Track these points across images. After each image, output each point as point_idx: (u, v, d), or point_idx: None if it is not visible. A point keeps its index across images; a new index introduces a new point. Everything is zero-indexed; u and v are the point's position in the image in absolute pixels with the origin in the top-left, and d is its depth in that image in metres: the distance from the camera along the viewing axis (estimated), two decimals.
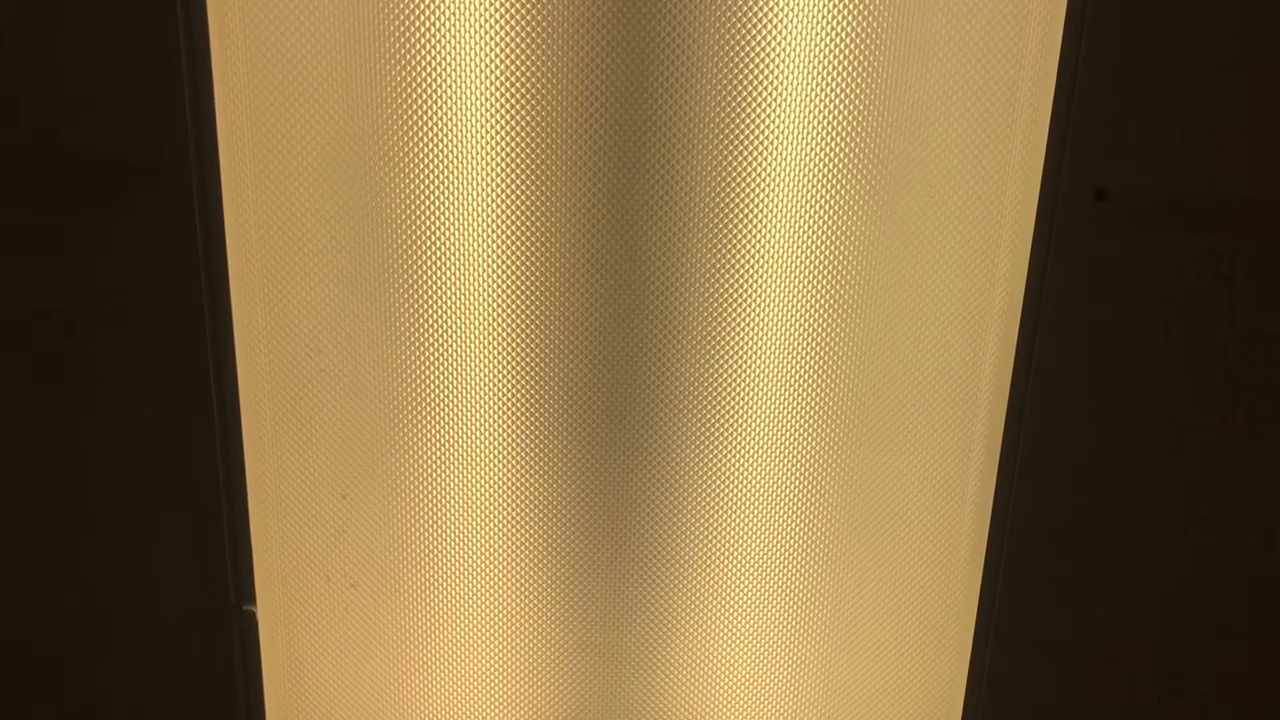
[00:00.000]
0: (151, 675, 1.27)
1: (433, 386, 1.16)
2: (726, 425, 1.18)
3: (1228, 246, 1.14)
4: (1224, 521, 1.24)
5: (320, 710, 1.28)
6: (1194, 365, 1.18)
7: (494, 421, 1.17)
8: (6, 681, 1.27)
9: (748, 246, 1.11)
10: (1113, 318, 1.16)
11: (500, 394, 1.16)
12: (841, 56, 1.05)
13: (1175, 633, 1.29)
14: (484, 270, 1.12)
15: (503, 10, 1.03)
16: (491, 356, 1.15)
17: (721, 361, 1.15)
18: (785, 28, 1.04)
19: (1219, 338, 1.17)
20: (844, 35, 1.04)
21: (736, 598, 1.26)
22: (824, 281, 1.13)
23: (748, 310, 1.14)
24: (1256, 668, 1.31)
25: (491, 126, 1.07)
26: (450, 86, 1.05)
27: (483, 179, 1.08)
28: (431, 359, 1.15)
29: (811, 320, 1.14)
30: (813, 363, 1.16)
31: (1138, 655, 1.30)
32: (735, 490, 1.21)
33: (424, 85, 1.05)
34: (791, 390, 1.17)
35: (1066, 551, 1.25)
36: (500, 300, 1.13)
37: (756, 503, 1.21)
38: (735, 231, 1.11)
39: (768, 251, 1.11)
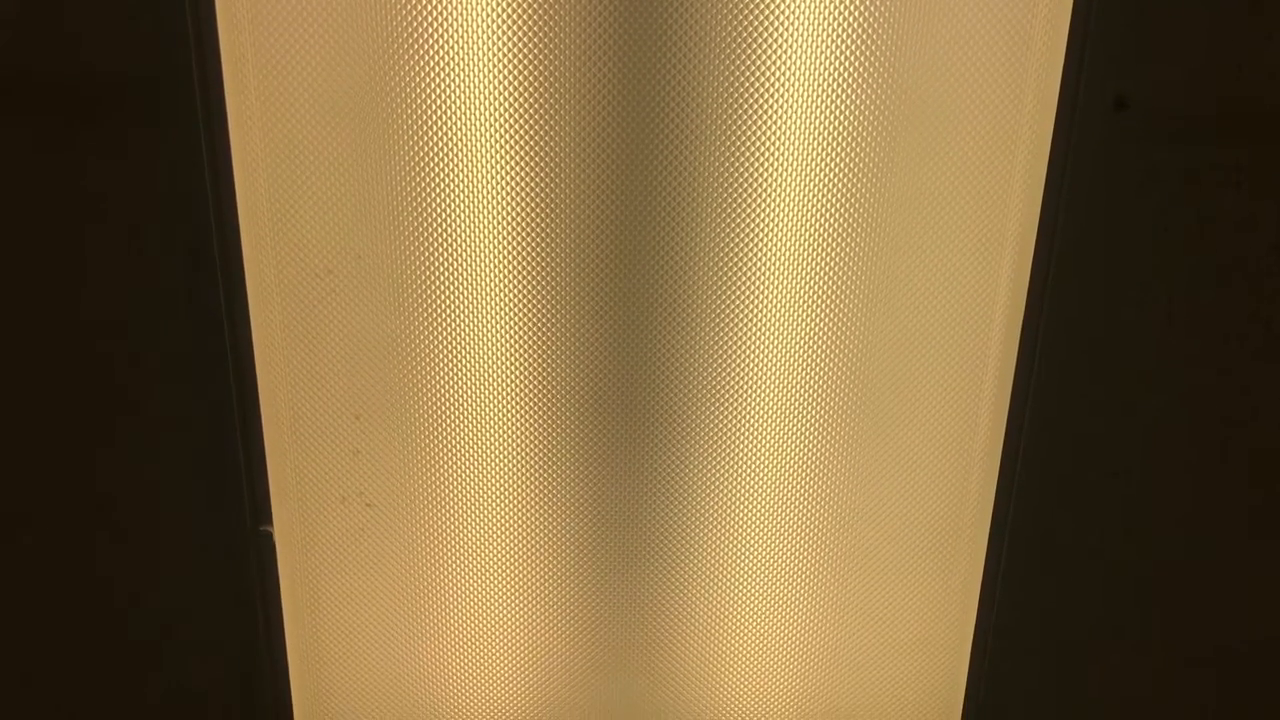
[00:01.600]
0: (171, 598, 1.28)
1: (445, 306, 1.15)
2: (740, 343, 1.18)
3: (1249, 157, 1.12)
4: (1239, 437, 1.24)
5: (338, 629, 1.29)
6: (1213, 278, 1.17)
7: (508, 340, 1.17)
8: (25, 610, 1.28)
9: (758, 171, 1.10)
10: (1131, 229, 1.14)
11: (513, 312, 1.15)
12: None
13: (1180, 549, 1.30)
14: (496, 186, 1.10)
15: None
16: (504, 274, 1.14)
17: (736, 280, 1.15)
18: None
19: (1239, 249, 1.16)
20: None
21: (750, 515, 1.26)
22: (837, 197, 1.11)
23: (759, 236, 1.13)
24: (1258, 586, 1.32)
25: (504, 43, 1.05)
26: (460, 4, 1.03)
27: (493, 95, 1.07)
28: (443, 278, 1.14)
29: (825, 241, 1.13)
30: (827, 285, 1.15)
31: (1143, 571, 1.31)
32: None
33: (433, 2, 1.03)
34: (804, 316, 1.16)
35: (1080, 469, 1.25)
36: (513, 216, 1.11)
37: (770, 405, 1.21)
38: (745, 175, 1.09)
39: (783, 165, 1.10)
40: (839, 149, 1.09)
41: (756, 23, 1.05)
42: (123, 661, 1.31)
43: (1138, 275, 1.16)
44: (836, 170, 1.10)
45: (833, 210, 1.12)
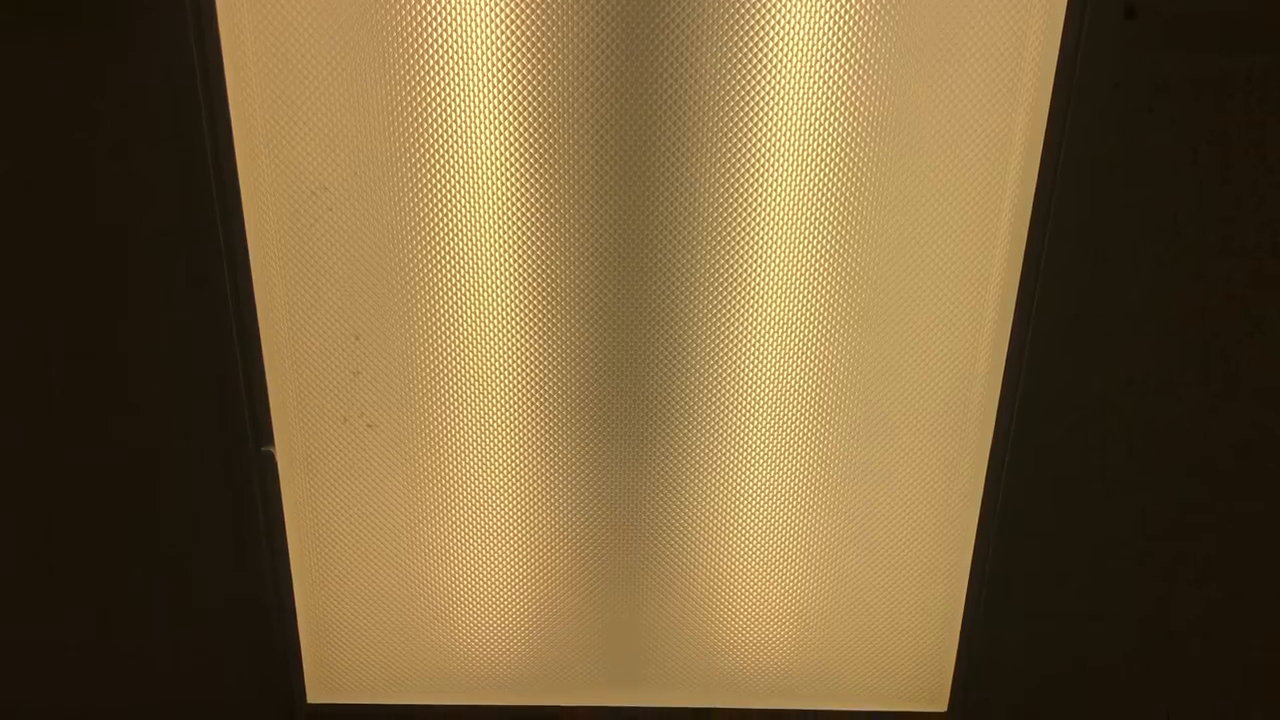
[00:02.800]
0: (174, 519, 1.28)
1: (443, 222, 1.14)
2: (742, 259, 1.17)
3: (1261, 65, 1.10)
4: (1243, 352, 1.23)
5: (341, 549, 1.30)
6: (1222, 191, 1.15)
7: (507, 257, 1.16)
8: (28, 533, 1.29)
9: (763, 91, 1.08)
10: (1140, 141, 1.12)
11: (513, 228, 1.14)
12: None
13: (1182, 470, 1.29)
14: (496, 99, 1.08)
15: None
16: (504, 188, 1.13)
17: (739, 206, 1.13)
18: None
19: (1250, 163, 1.14)
20: None
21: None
22: (844, 111, 1.09)
23: (763, 162, 1.11)
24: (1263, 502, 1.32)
25: None
26: None
27: (495, 7, 1.05)
28: (441, 194, 1.13)
29: (831, 154, 1.12)
30: (832, 197, 1.13)
31: (1146, 491, 1.31)
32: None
33: None
34: (808, 232, 1.15)
35: (1083, 381, 1.24)
36: (513, 129, 1.10)
37: (773, 323, 1.20)
38: (750, 90, 1.07)
39: (787, 83, 1.08)
40: (843, 62, 1.07)
41: None
42: (126, 583, 1.32)
43: (1144, 189, 1.15)
44: (842, 75, 1.08)
45: (838, 120, 1.10)
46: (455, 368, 1.21)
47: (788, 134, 1.11)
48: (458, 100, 1.09)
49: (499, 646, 1.36)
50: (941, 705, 1.41)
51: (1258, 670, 1.41)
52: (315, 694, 1.37)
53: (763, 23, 1.05)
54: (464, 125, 1.10)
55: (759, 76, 1.08)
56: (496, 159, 1.11)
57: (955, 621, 1.36)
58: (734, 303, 1.18)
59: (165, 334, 1.19)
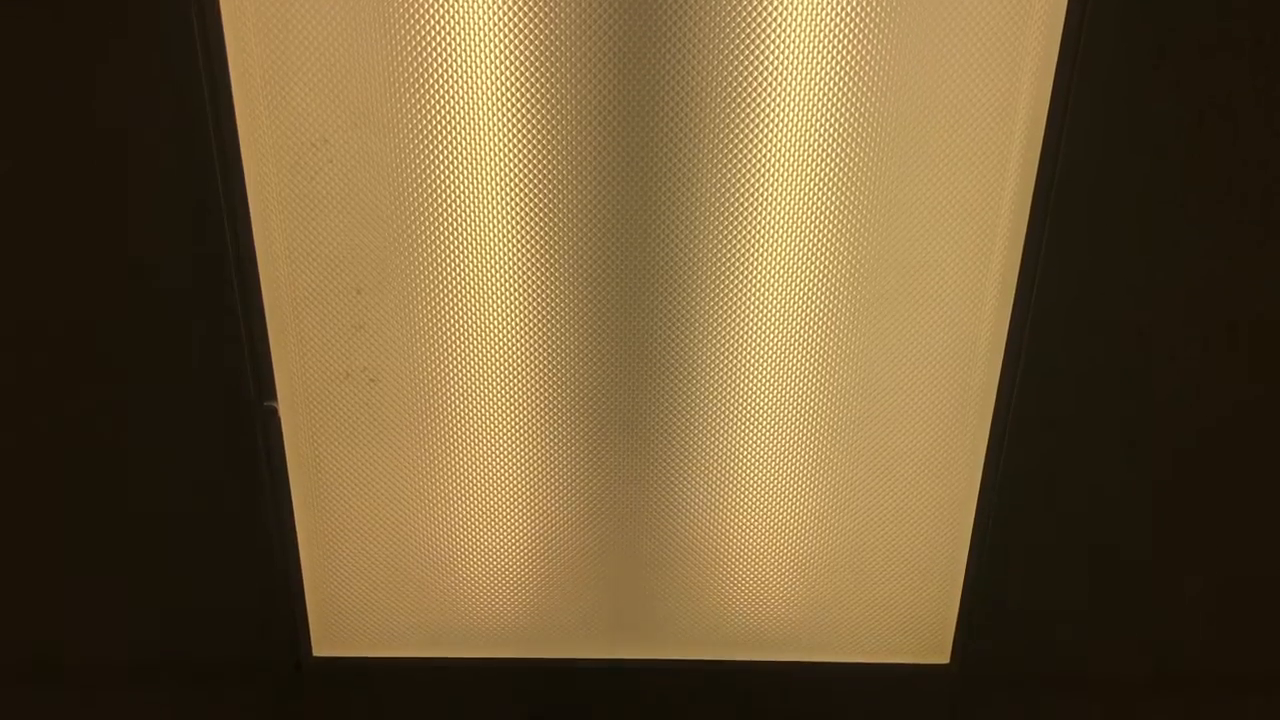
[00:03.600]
0: (178, 475, 1.28)
1: (444, 176, 1.13)
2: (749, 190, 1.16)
3: (1271, 26, 1.09)
4: (1245, 302, 1.23)
5: (345, 503, 1.30)
6: (1226, 153, 1.14)
7: (509, 210, 1.15)
8: (32, 492, 1.30)
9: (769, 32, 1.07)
10: (1145, 106, 1.11)
11: (515, 181, 1.14)
12: None
13: (1188, 427, 1.29)
14: (499, 51, 1.07)
15: None
16: (506, 141, 1.12)
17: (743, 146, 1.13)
18: None
19: (1255, 124, 1.13)
20: None
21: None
22: (848, 80, 1.08)
23: (766, 131, 1.10)
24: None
25: None
26: None
27: None
28: (442, 147, 1.12)
29: (834, 123, 1.11)
30: (835, 163, 1.12)
31: (1148, 449, 1.31)
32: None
33: None
34: (813, 186, 1.14)
35: (1088, 332, 1.24)
36: (516, 82, 1.09)
37: (776, 277, 1.20)
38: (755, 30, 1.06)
39: (791, 52, 1.07)
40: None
41: None
42: (132, 540, 1.32)
43: (1149, 154, 1.14)
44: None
45: (842, 90, 1.09)
46: (457, 322, 1.20)
47: (791, 103, 1.10)
48: (459, 54, 1.08)
49: (502, 600, 1.37)
50: (944, 657, 1.42)
51: (1253, 620, 1.42)
52: (320, 647, 1.38)
53: None
54: (466, 79, 1.09)
55: (763, 44, 1.07)
56: (499, 112, 1.10)
57: (958, 575, 1.36)
58: (738, 263, 1.18)
59: (166, 291, 1.18)
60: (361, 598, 1.36)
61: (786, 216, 1.16)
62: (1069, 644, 1.43)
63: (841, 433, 1.28)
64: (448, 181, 1.14)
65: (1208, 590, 1.40)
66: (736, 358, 1.23)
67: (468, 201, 1.15)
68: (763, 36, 1.07)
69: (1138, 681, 1.46)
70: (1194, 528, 1.35)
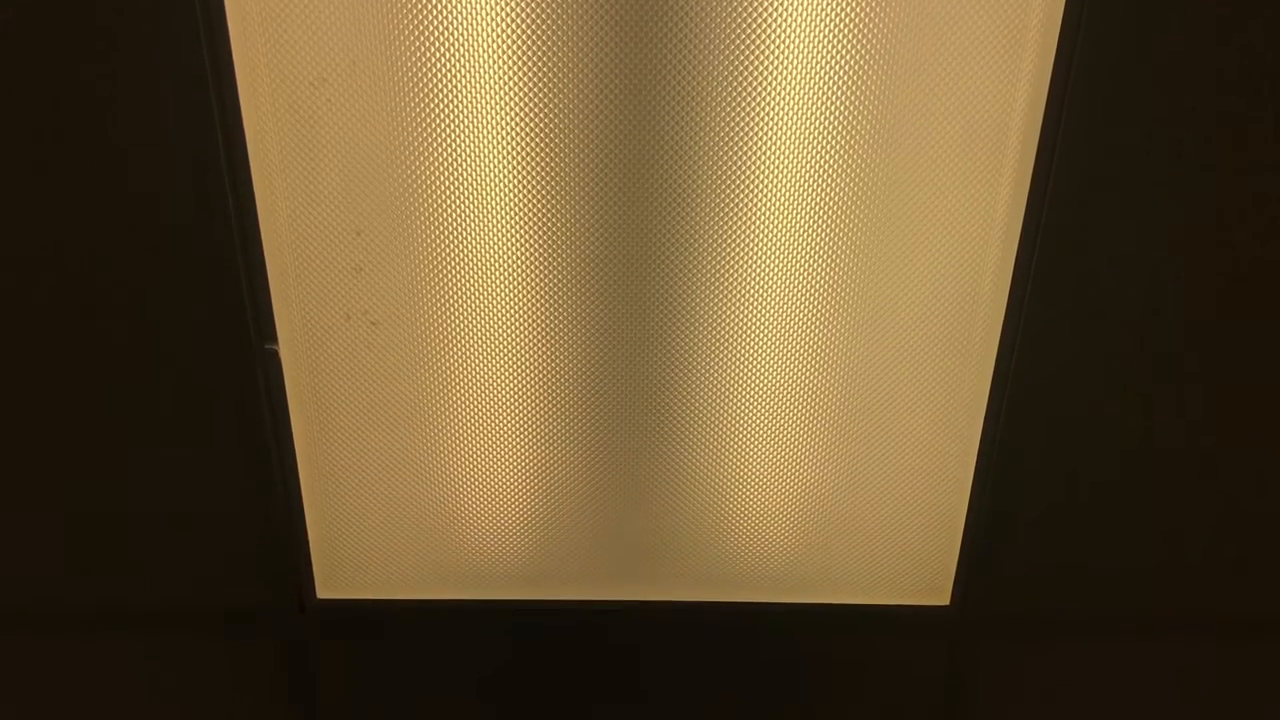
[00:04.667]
0: (179, 418, 1.28)
1: (444, 115, 1.12)
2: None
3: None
4: (1249, 250, 1.22)
5: (347, 446, 1.30)
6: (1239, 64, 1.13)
7: (509, 150, 1.14)
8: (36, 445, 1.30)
9: None
10: (1156, 34, 1.10)
11: (515, 120, 1.13)
12: None
13: (1190, 360, 1.29)
14: None
15: None
16: (506, 79, 1.11)
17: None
18: None
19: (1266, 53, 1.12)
20: None
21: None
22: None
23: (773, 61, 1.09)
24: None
25: None
26: None
27: None
28: (441, 86, 1.11)
29: (843, 58, 1.10)
30: (843, 93, 1.11)
31: (1152, 381, 1.31)
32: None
33: None
34: (817, 121, 1.13)
35: (1094, 268, 1.23)
36: (516, 19, 1.08)
37: (779, 216, 1.19)
38: None
39: None
40: None
41: None
42: (134, 485, 1.32)
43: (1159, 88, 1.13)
44: None
45: (848, 22, 1.08)
46: (457, 264, 1.20)
47: (797, 40, 1.09)
48: None
49: (504, 542, 1.37)
50: (944, 599, 1.43)
51: (1251, 561, 1.43)
52: (324, 589, 1.39)
53: None
54: (466, 17, 1.07)
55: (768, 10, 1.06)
56: (500, 53, 1.09)
57: (959, 517, 1.37)
58: (743, 191, 1.17)
59: (165, 232, 1.18)
60: (365, 540, 1.36)
61: (790, 154, 1.15)
62: (1069, 586, 1.44)
63: (844, 374, 1.27)
64: (447, 122, 1.13)
65: (1206, 531, 1.40)
66: (739, 295, 1.23)
67: (468, 142, 1.14)
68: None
69: (1137, 623, 1.47)
70: (1194, 470, 1.36)
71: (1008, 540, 1.39)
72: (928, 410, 1.30)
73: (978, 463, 1.34)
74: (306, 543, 1.35)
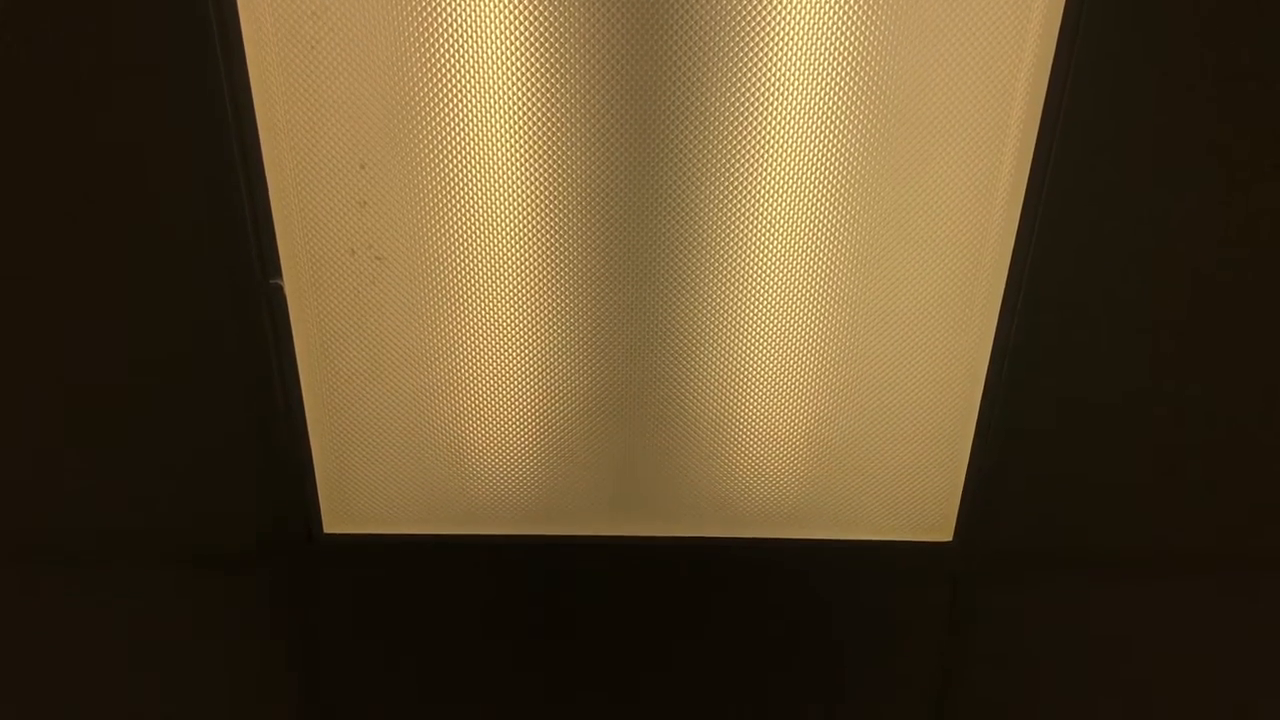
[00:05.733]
0: (185, 355, 1.28)
1: (448, 42, 1.11)
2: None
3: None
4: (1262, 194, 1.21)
5: (353, 381, 1.30)
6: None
7: (517, 83, 1.13)
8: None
9: None
10: None
11: (522, 48, 1.11)
12: None
13: (1197, 293, 1.29)
14: None
15: None
16: (512, 9, 1.09)
17: None
18: None
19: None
20: None
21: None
22: None
23: None
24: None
25: None
26: None
27: None
28: (447, 14, 1.09)
29: None
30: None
31: (1156, 316, 1.30)
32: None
33: None
34: (827, 47, 1.11)
35: (1104, 211, 1.23)
36: None
37: (786, 140, 1.18)
38: None
39: None
40: None
41: None
42: (141, 420, 1.33)
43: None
44: None
45: None
46: (463, 198, 1.19)
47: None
48: None
49: (511, 477, 1.38)
50: (947, 535, 1.44)
51: (1254, 500, 1.43)
52: (332, 524, 1.40)
53: None
54: None
55: None
56: None
57: (963, 453, 1.37)
58: (748, 120, 1.16)
59: (166, 167, 1.17)
60: (372, 475, 1.37)
61: (804, 71, 1.14)
62: (1071, 523, 1.45)
63: (850, 311, 1.27)
64: (451, 54, 1.11)
65: (1208, 469, 1.40)
66: (747, 232, 1.22)
67: (471, 74, 1.12)
68: None
69: (1139, 561, 1.48)
70: (1199, 408, 1.36)
71: (1011, 477, 1.40)
72: (934, 346, 1.30)
73: (983, 399, 1.34)
74: (313, 478, 1.36)
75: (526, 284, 1.25)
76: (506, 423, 1.34)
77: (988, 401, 1.34)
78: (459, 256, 1.23)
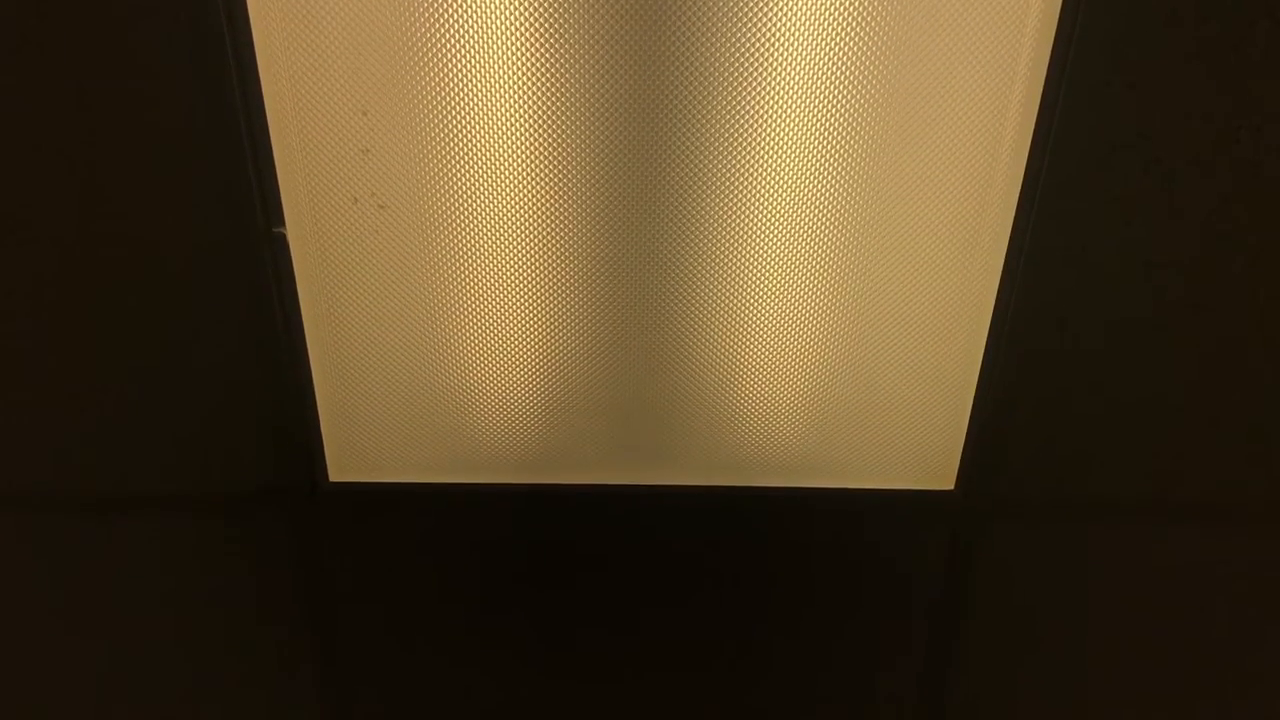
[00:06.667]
0: (188, 304, 1.28)
1: None
2: None
3: None
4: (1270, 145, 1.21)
5: (357, 330, 1.30)
6: None
7: (520, 22, 1.12)
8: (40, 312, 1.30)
9: None
10: None
11: None
12: None
13: (1203, 241, 1.29)
14: None
15: None
16: None
17: None
18: None
19: None
20: None
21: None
22: None
23: None
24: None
25: None
26: None
27: None
28: None
29: None
30: None
31: (1162, 261, 1.30)
32: None
33: None
34: None
35: (1111, 155, 1.22)
36: None
37: (793, 79, 1.17)
38: None
39: None
40: None
41: None
42: (146, 369, 1.33)
43: None
44: None
45: None
46: (466, 145, 1.18)
47: None
48: None
49: (516, 426, 1.38)
50: (949, 484, 1.44)
51: (1253, 449, 1.44)
52: (336, 473, 1.40)
53: None
54: None
55: None
56: None
57: (966, 402, 1.38)
58: (752, 65, 1.15)
59: (169, 115, 1.16)
60: (377, 424, 1.37)
61: (804, 29, 1.13)
62: (1073, 472, 1.45)
63: (853, 258, 1.27)
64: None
65: (1213, 416, 1.41)
66: (750, 179, 1.21)
67: (474, 19, 1.11)
68: None
69: (1140, 509, 1.48)
70: (1203, 355, 1.36)
71: (1013, 426, 1.40)
72: (937, 294, 1.30)
73: (986, 346, 1.34)
74: (318, 426, 1.36)
75: (530, 230, 1.24)
76: (510, 371, 1.34)
77: (991, 352, 1.34)
78: (462, 203, 1.22)
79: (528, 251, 1.26)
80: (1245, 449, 1.43)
